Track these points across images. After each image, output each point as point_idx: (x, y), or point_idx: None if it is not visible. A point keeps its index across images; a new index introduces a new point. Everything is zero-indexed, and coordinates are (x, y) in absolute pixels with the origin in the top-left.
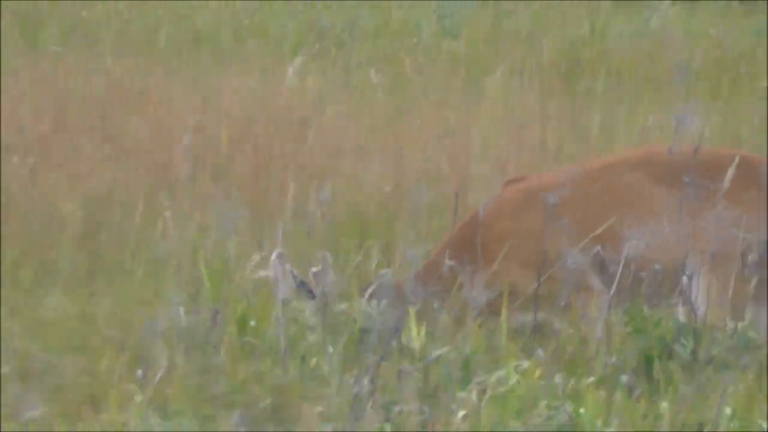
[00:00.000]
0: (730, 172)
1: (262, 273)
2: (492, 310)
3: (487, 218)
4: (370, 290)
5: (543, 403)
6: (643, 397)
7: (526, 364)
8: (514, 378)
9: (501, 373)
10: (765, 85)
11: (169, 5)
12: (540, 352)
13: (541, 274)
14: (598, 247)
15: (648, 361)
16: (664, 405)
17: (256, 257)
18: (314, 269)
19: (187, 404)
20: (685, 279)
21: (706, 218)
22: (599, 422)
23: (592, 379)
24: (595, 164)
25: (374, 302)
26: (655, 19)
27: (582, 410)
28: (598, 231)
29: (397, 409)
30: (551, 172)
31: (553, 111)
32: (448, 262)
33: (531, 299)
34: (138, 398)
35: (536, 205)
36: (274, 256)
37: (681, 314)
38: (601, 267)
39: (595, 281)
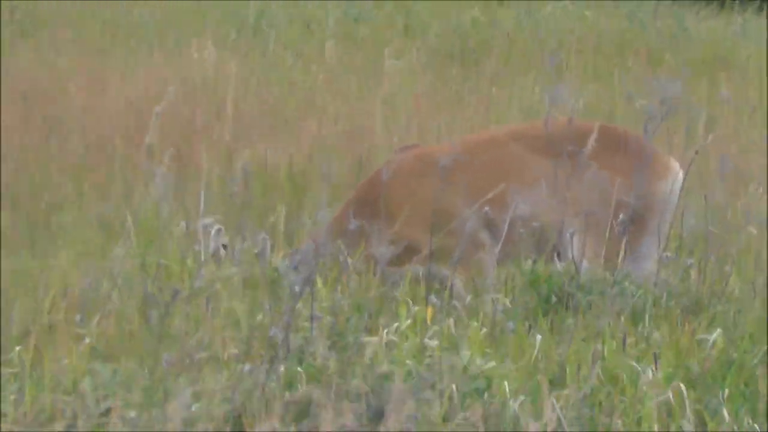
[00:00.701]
0: (592, 139)
1: (182, 224)
2: (394, 263)
3: (387, 181)
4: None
5: (435, 345)
6: (528, 340)
7: (417, 309)
8: (405, 323)
9: (400, 318)
10: (629, 65)
11: None
12: (433, 298)
13: (437, 231)
14: (487, 208)
15: (534, 308)
16: (553, 348)
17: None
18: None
19: (120, 347)
20: (567, 236)
21: (581, 182)
22: (484, 362)
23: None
24: (482, 136)
25: (287, 258)
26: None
27: (471, 353)
28: (490, 195)
29: (309, 351)
30: (443, 142)
31: (446, 88)
32: (353, 220)
33: (428, 254)
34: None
35: (430, 171)
36: (213, 231)
37: (561, 267)
38: (490, 225)
39: (485, 237)
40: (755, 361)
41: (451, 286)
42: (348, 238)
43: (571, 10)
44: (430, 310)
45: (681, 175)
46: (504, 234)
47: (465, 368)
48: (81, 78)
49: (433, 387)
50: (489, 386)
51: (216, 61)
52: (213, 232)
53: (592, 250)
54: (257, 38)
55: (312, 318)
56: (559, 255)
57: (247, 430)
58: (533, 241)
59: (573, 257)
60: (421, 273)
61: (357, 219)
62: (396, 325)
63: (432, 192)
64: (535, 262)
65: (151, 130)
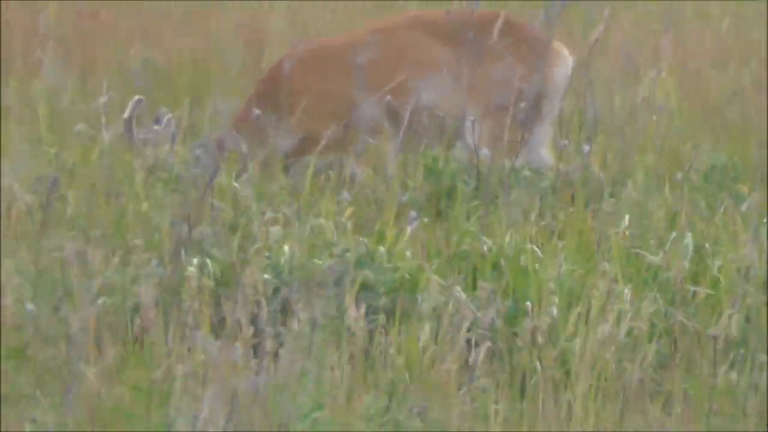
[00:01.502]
0: (497, 27)
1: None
2: (295, 154)
3: (287, 73)
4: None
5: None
6: (433, 229)
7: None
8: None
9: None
10: None
11: None
12: (346, 194)
13: (337, 122)
14: (388, 98)
15: (437, 197)
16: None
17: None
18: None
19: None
20: (468, 124)
21: (483, 71)
22: (388, 252)
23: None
24: (378, 24)
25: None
26: None
27: (380, 246)
28: (392, 84)
29: (212, 242)
30: (339, 34)
31: None
32: (255, 112)
33: (333, 145)
34: None
35: (330, 62)
36: (134, 100)
37: (463, 157)
38: (391, 115)
39: (387, 127)
40: (660, 249)
41: (353, 175)
42: (251, 131)
43: None
44: (349, 211)
45: (571, 61)
46: (405, 123)
47: (371, 257)
48: None
49: (342, 279)
50: (403, 278)
51: None
52: (134, 101)
53: (493, 139)
54: None
55: (212, 208)
56: (462, 143)
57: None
58: (436, 130)
59: (474, 146)
60: (321, 164)
61: (260, 112)
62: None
63: (331, 83)
64: (437, 151)
65: (41, 23)
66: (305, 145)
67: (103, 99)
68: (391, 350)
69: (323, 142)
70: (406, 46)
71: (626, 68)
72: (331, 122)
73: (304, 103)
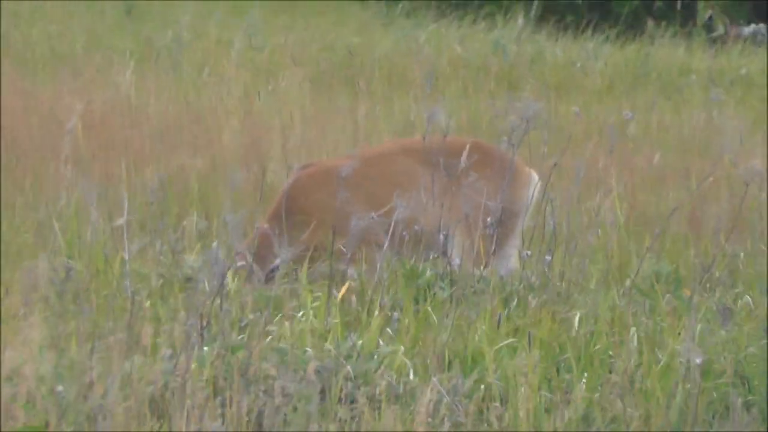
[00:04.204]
0: (465, 154)
1: (120, 221)
2: (300, 263)
3: (295, 194)
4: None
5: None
6: (412, 328)
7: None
8: (310, 312)
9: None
10: (491, 87)
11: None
12: (335, 292)
13: (338, 235)
14: (374, 214)
15: (416, 300)
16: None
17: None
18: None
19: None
20: (441, 237)
21: (457, 190)
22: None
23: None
24: (371, 151)
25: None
26: (413, 36)
27: (362, 340)
28: (387, 207)
29: (222, 338)
30: (337, 158)
31: (335, 107)
32: (266, 228)
33: (328, 254)
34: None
35: (331, 183)
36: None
37: (439, 265)
38: (382, 228)
39: (383, 239)
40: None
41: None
42: (267, 247)
43: (443, 35)
44: (344, 288)
45: (538, 182)
46: (389, 236)
47: (359, 349)
48: (15, 99)
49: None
50: (380, 366)
51: (135, 81)
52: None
53: (464, 250)
54: (169, 60)
55: (223, 311)
56: (439, 253)
57: (169, 408)
58: (416, 241)
59: (447, 255)
60: (322, 270)
61: (275, 229)
62: (302, 312)
63: (333, 202)
64: (418, 260)
65: (66, 143)
66: (313, 255)
67: (122, 220)
68: None
69: (323, 253)
70: (396, 168)
71: (579, 188)
72: (330, 235)
73: (310, 221)
